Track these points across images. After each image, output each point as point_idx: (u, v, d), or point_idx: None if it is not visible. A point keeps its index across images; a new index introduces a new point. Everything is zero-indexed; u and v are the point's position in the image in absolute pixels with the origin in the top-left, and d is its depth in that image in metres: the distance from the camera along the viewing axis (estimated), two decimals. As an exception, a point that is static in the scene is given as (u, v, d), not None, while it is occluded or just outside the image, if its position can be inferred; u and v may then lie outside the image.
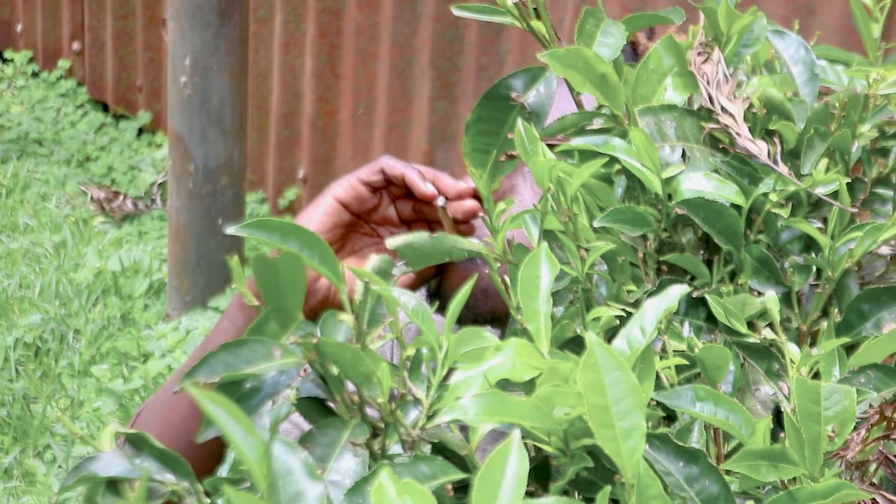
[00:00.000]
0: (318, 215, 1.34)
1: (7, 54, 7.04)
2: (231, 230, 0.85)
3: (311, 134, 4.77)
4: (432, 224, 1.34)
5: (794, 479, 0.81)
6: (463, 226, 1.29)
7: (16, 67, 6.92)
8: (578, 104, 1.14)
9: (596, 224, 1.00)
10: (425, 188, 1.30)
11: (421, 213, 1.34)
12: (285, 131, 4.93)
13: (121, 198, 5.28)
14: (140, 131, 6.10)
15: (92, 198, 5.35)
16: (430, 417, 0.86)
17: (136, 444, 0.87)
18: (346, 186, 1.35)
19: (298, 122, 4.87)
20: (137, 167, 5.62)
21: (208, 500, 0.85)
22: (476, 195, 1.33)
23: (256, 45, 4.81)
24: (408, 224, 1.36)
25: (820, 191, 0.99)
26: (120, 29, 6.15)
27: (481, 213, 0.98)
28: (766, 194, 1.00)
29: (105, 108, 6.43)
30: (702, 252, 1.06)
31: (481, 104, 1.12)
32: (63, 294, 4.36)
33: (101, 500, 0.85)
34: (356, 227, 1.37)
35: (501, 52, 3.92)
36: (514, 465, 0.68)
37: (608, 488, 0.75)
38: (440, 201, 1.28)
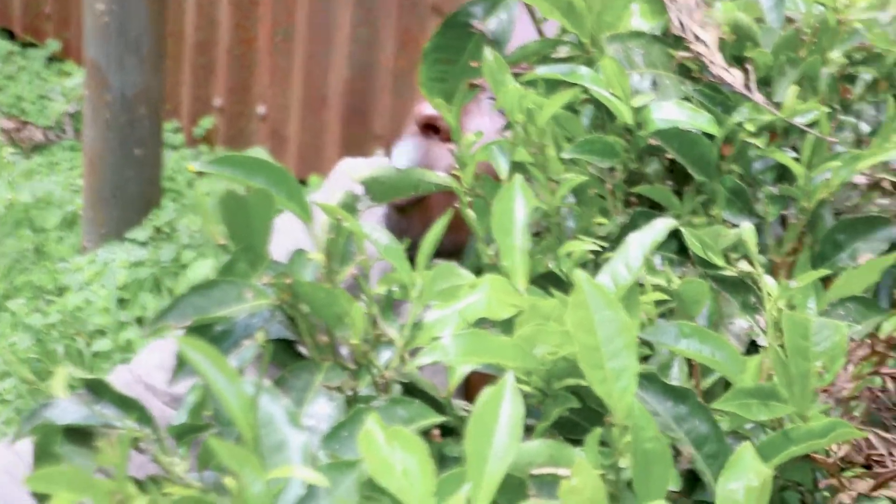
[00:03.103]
0: None
1: None
2: (198, 166, 0.81)
3: (228, 62, 4.69)
4: None
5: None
6: None
7: (-83, -6, 6.72)
8: (540, 32, 1.10)
9: (565, 155, 0.96)
10: None
11: None
12: (201, 59, 4.84)
13: (30, 128, 5.15)
14: (49, 60, 5.95)
15: (0, 128, 5.22)
16: (402, 358, 0.83)
17: (94, 389, 0.83)
18: None
19: (214, 49, 4.78)
20: (47, 96, 5.49)
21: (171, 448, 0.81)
22: (429, 124, 1.29)
23: (170, -29, 4.70)
24: None
25: (798, 120, 0.96)
26: (26, -46, 5.99)
27: (450, 146, 0.94)
28: (740, 124, 0.97)
29: (11, 37, 6.26)
30: (669, 183, 1.03)
31: (440, 32, 1.08)
32: (-26, 227, 4.26)
33: (60, 449, 0.80)
34: None
35: (424, -22, 3.87)
36: (509, 408, 0.65)
37: (598, 430, 0.72)
38: None
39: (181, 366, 0.76)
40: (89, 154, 3.67)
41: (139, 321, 3.24)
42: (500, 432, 0.65)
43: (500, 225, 0.86)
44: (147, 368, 1.34)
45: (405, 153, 1.28)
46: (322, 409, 0.77)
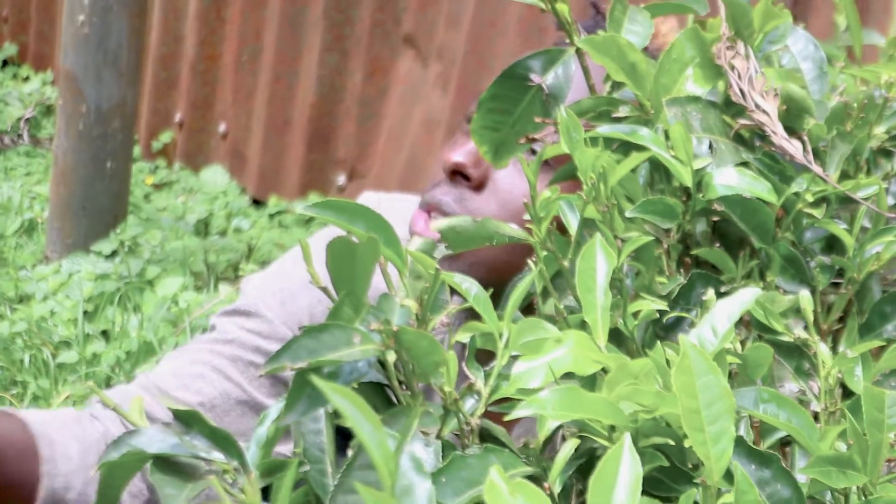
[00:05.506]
0: None
1: None
2: (301, 209, 0.83)
3: (191, 77, 4.69)
4: None
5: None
6: None
7: None
8: (591, 88, 1.14)
9: (628, 214, 0.99)
10: None
11: None
12: (163, 73, 4.83)
13: (-15, 131, 5.12)
14: (4, 63, 5.91)
15: (-46, 130, 5.19)
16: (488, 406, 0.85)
17: (185, 420, 0.85)
18: None
19: (178, 64, 4.77)
20: (3, 100, 5.45)
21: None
22: (457, 170, 1.31)
23: (138, -16, 4.69)
24: None
25: (860, 194, 1.00)
26: (-15, -44, 5.96)
27: (526, 200, 0.96)
28: (797, 193, 1.01)
29: (-35, 38, 6.23)
30: (717, 245, 1.06)
31: (497, 82, 1.11)
32: (-72, 231, 4.21)
33: (151, 477, 0.83)
34: None
35: (398, 10, 3.89)
36: (628, 468, 0.68)
37: (693, 491, 0.75)
38: None
39: (293, 401, 0.78)
40: (60, 164, 3.66)
41: (104, 334, 3.23)
42: (619, 489, 0.68)
43: (583, 282, 0.89)
44: (161, 375, 1.38)
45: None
46: (419, 454, 0.80)
